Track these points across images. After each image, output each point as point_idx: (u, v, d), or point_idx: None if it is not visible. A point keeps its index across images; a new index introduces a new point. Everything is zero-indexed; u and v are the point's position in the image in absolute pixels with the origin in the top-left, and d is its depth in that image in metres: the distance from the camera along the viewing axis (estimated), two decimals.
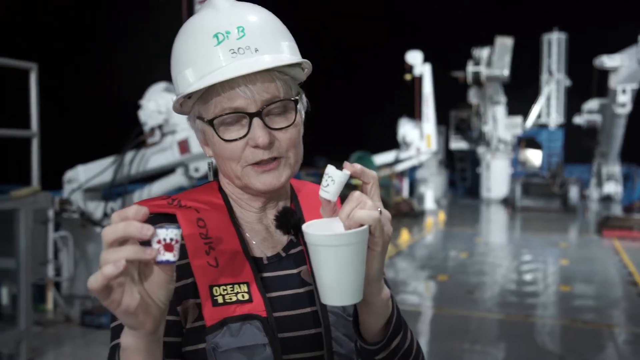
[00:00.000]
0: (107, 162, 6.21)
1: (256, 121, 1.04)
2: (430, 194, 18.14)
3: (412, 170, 18.32)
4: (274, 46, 1.05)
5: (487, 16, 34.78)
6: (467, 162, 25.75)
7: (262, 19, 1.07)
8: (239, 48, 1.02)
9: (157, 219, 1.06)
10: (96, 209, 6.34)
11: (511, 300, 7.52)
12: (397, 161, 16.57)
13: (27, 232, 4.91)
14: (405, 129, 16.51)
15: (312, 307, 1.10)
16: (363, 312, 1.05)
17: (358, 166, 0.96)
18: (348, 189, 0.96)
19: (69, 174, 6.42)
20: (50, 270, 6.11)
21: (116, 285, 0.80)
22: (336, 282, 0.93)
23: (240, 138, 1.05)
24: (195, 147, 5.74)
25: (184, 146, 5.85)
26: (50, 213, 6.00)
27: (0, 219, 5.05)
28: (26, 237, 4.90)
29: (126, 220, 0.79)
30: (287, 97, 1.07)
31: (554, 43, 26.82)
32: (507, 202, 20.15)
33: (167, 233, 0.80)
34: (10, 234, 4.98)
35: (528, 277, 8.98)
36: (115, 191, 6.34)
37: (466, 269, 9.45)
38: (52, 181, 6.32)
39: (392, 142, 17.09)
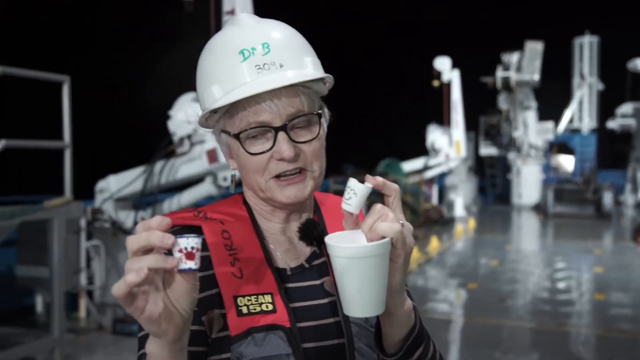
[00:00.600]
0: (137, 172, 6.29)
1: (281, 135, 1.06)
2: (460, 200, 17.98)
3: (442, 177, 18.19)
4: (298, 62, 1.08)
5: (516, 20, 34.43)
6: (498, 168, 25.46)
7: (286, 35, 1.10)
8: (264, 64, 1.05)
9: (183, 231, 1.09)
10: (127, 218, 6.42)
11: (544, 309, 7.39)
12: (426, 168, 16.48)
13: (60, 242, 4.99)
14: (434, 135, 16.42)
15: (335, 317, 1.11)
16: (386, 323, 1.06)
17: (380, 179, 0.97)
18: (379, 197, 0.96)
19: (101, 184, 6.52)
20: (83, 279, 6.22)
21: (140, 293, 0.83)
22: (358, 294, 0.94)
23: (266, 151, 1.07)
24: (224, 156, 5.78)
25: (212, 155, 5.90)
26: (83, 222, 6.10)
27: (34, 228, 5.15)
28: (59, 246, 4.98)
29: (149, 230, 0.82)
30: (311, 111, 1.09)
31: (586, 46, 26.44)
32: (539, 208, 19.86)
33: (188, 242, 0.82)
34: (44, 243, 5.07)
35: (561, 285, 8.82)
36: (146, 200, 6.41)
37: (497, 277, 9.33)
38: (84, 191, 6.42)
39: (421, 148, 17.02)
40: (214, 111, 1.10)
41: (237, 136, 1.08)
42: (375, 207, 0.95)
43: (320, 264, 1.16)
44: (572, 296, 8.15)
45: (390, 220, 0.94)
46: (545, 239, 15.13)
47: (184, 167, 6.09)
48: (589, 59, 26.44)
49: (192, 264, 0.83)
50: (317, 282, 1.14)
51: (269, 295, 1.06)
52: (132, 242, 0.82)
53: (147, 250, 0.82)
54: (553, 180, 21.71)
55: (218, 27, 5.98)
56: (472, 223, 16.42)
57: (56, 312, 4.96)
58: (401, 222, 0.95)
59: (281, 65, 1.05)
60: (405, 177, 15.16)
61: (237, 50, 1.06)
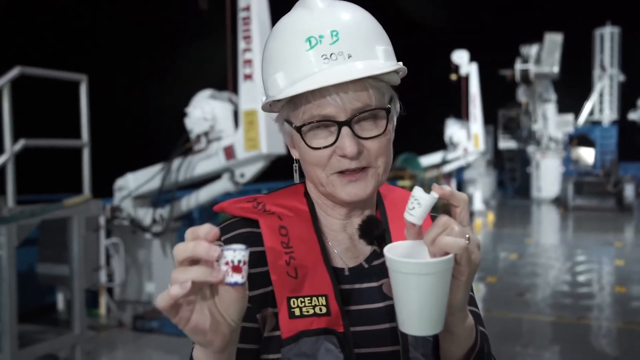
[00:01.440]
0: (155, 169, 6.33)
1: (345, 130, 1.01)
2: (479, 194, 17.87)
3: (460, 170, 18.09)
4: (368, 52, 1.01)
5: (535, 12, 34.04)
6: (517, 162, 25.22)
7: (357, 21, 1.03)
8: (331, 54, 0.99)
9: (240, 223, 1.07)
10: (145, 215, 6.47)
11: (564, 302, 7.33)
12: (444, 162, 16.38)
13: (79, 240, 5.05)
14: (452, 129, 16.31)
15: (390, 323, 1.06)
16: (445, 340, 1.01)
17: (447, 188, 0.91)
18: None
19: (119, 182, 6.57)
20: (103, 276, 6.28)
21: (185, 304, 0.80)
22: (416, 311, 0.88)
23: (328, 146, 1.02)
24: (241, 152, 5.80)
25: (229, 152, 5.91)
26: (102, 220, 6.17)
27: (54, 226, 5.21)
28: (79, 244, 5.04)
29: (197, 239, 0.78)
30: (379, 105, 1.02)
31: (607, 37, 26.05)
32: (559, 201, 19.66)
33: (235, 255, 0.79)
34: (64, 241, 5.13)
35: (581, 278, 8.73)
36: (164, 198, 6.45)
37: (516, 271, 9.26)
38: (103, 189, 6.47)
39: (439, 142, 16.91)
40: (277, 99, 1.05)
41: (298, 129, 1.03)
42: (441, 219, 0.89)
43: (380, 265, 1.09)
44: (593, 289, 8.06)
45: (455, 235, 0.87)
46: (565, 232, 14.98)
47: (201, 164, 6.12)
48: (609, 50, 26.06)
49: (238, 278, 0.79)
50: (375, 284, 1.09)
51: (323, 298, 1.02)
52: (179, 251, 0.78)
53: (194, 261, 0.78)
54: (573, 173, 21.46)
55: (234, 24, 5.98)
56: (491, 217, 16.32)
57: (77, 309, 5.02)
58: (468, 236, 0.88)
59: (350, 56, 0.99)
60: (423, 171, 15.08)
61: (304, 37, 1.00)
